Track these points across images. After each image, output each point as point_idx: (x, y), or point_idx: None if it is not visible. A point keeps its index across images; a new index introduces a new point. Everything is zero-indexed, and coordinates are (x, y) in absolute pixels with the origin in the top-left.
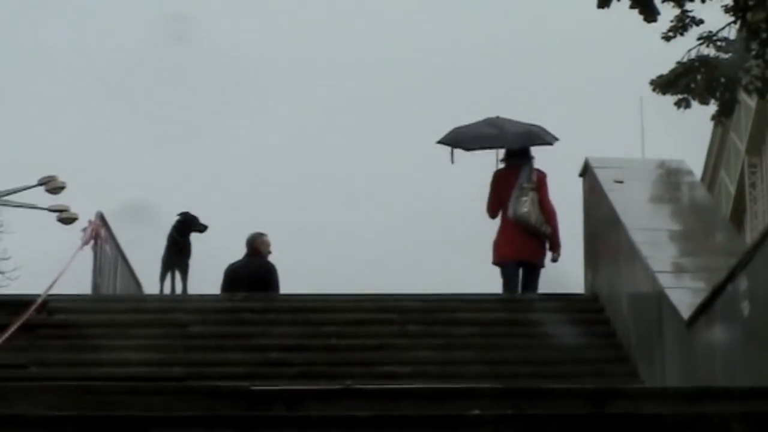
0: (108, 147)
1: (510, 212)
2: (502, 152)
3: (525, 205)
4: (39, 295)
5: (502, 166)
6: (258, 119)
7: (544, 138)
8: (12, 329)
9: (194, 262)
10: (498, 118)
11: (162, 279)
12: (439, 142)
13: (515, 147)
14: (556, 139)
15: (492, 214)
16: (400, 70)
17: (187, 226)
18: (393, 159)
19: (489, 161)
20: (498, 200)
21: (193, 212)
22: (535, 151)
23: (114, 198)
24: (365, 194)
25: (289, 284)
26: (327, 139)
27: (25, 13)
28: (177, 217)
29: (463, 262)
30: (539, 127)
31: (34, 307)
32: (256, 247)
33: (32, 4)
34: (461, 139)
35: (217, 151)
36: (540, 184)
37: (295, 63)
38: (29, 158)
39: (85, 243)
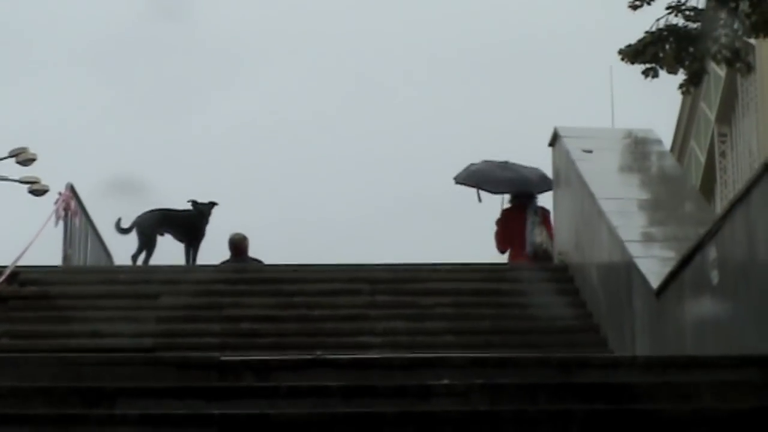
0: (86, 120)
1: (528, 247)
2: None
3: (538, 236)
4: (8, 267)
5: (508, 205)
6: (242, 95)
7: (546, 185)
8: None
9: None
10: (508, 162)
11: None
12: (462, 183)
13: (540, 191)
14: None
15: (502, 248)
16: (384, 49)
17: (206, 215)
18: (373, 136)
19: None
20: (508, 236)
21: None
22: None
23: (89, 171)
24: (345, 171)
25: (263, 255)
26: (310, 115)
27: None
28: (191, 207)
29: (439, 234)
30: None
31: (2, 278)
32: (242, 248)
33: None
34: (484, 181)
35: (200, 127)
36: (545, 218)
37: (280, 38)
38: (1, 130)
39: (57, 216)
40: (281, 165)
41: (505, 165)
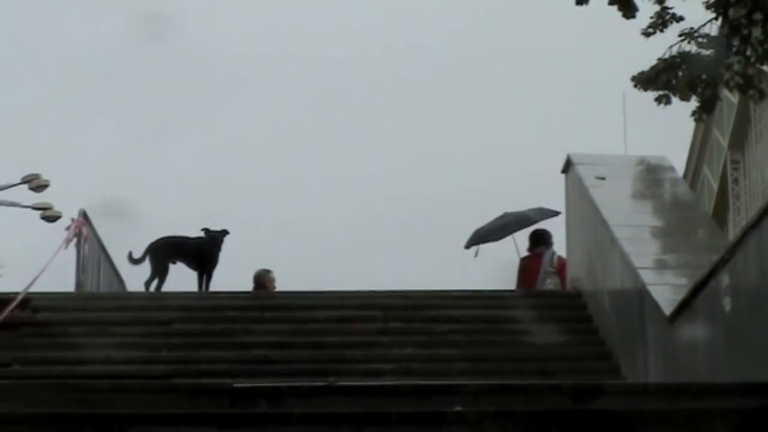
0: (88, 145)
1: None
2: (525, 241)
3: (549, 286)
4: (20, 293)
5: (526, 254)
6: (236, 115)
7: (551, 211)
8: None
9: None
10: (505, 213)
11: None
12: (468, 246)
13: (540, 220)
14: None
15: None
16: (382, 66)
17: (218, 243)
18: (373, 156)
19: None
20: (522, 284)
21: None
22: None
23: (95, 196)
24: (344, 191)
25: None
26: (305, 135)
27: (6, 13)
28: (203, 235)
29: (443, 260)
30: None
31: (13, 305)
32: (264, 283)
33: (11, 4)
34: (484, 236)
35: (197, 148)
36: (560, 267)
37: (272, 59)
38: (12, 156)
39: (68, 241)
40: (280, 185)
41: (503, 215)
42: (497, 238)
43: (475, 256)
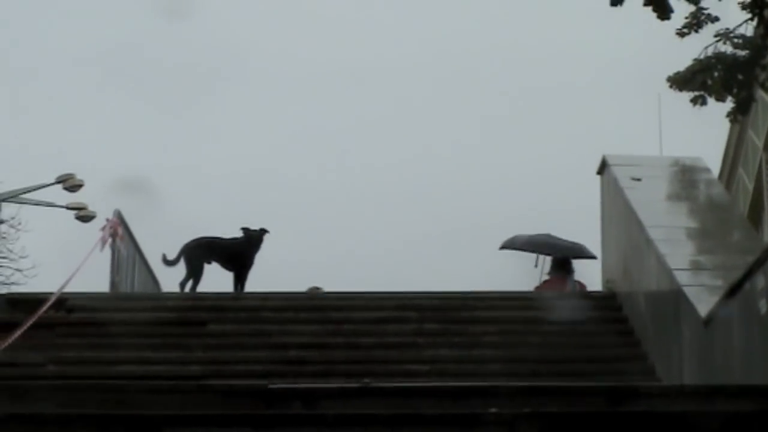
0: (119, 141)
1: None
2: (547, 265)
3: None
4: (54, 293)
5: (547, 277)
6: (241, 99)
7: (588, 252)
8: (25, 326)
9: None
10: (549, 234)
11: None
12: (503, 248)
13: (591, 256)
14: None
15: None
16: (414, 65)
17: (254, 244)
18: (405, 156)
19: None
20: None
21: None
22: None
23: (104, 172)
24: (379, 191)
25: (292, 279)
26: (325, 115)
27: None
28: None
29: (469, 262)
30: (581, 244)
31: (48, 305)
32: None
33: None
34: (543, 247)
35: (222, 131)
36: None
37: (290, 40)
38: (47, 156)
39: (104, 241)
40: (299, 174)
41: (548, 234)
42: (554, 254)
43: (536, 266)
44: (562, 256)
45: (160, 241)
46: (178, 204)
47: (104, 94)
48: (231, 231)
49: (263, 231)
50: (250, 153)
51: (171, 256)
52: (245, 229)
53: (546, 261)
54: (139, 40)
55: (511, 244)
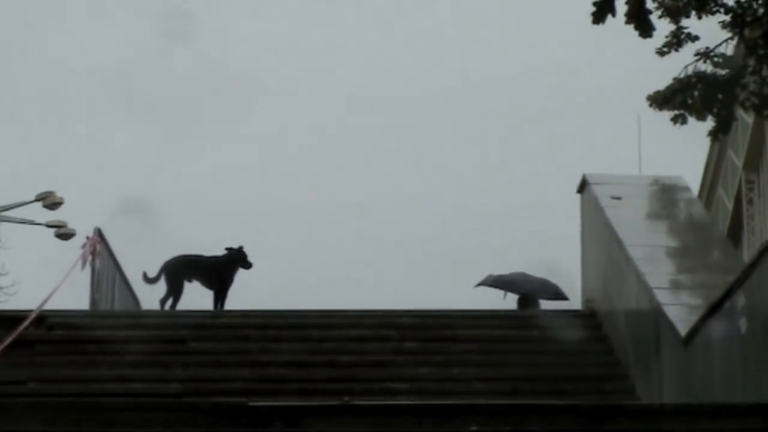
0: (102, 162)
1: None
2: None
3: None
4: (34, 311)
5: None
6: (254, 119)
7: (555, 292)
8: (5, 344)
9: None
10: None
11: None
12: (479, 285)
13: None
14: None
15: None
16: (397, 86)
17: (234, 262)
18: (388, 176)
19: None
20: None
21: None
22: None
23: (101, 196)
24: (358, 210)
25: (284, 299)
26: (324, 139)
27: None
28: (225, 252)
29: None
30: (552, 284)
31: (27, 322)
32: None
33: (28, 19)
34: (501, 284)
35: (214, 152)
36: None
37: (292, 62)
38: (26, 173)
39: (83, 259)
40: (297, 191)
41: (522, 273)
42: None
43: (504, 297)
44: (525, 293)
45: (151, 261)
46: (173, 226)
47: (96, 114)
48: (217, 250)
49: (240, 248)
50: (239, 172)
51: (152, 274)
52: (228, 249)
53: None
54: (136, 62)
55: (484, 282)
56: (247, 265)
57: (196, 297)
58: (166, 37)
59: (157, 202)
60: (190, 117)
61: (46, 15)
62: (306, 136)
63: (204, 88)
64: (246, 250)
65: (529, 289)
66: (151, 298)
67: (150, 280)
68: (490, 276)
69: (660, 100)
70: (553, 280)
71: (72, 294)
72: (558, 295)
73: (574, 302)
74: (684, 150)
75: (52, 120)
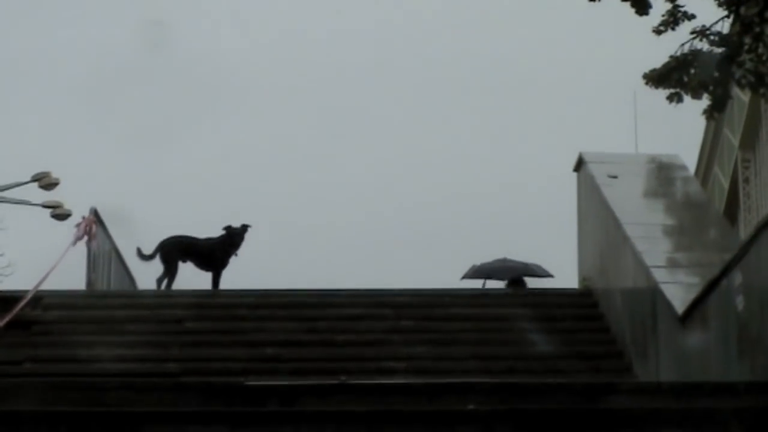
0: (92, 146)
1: None
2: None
3: None
4: (30, 291)
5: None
6: (232, 121)
7: (540, 271)
8: (1, 324)
9: None
10: (505, 258)
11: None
12: (465, 277)
13: (544, 275)
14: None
15: None
16: (391, 69)
17: (228, 245)
18: (382, 158)
19: None
20: None
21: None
22: None
23: (78, 201)
24: (353, 193)
25: (275, 281)
26: (299, 142)
27: (12, 17)
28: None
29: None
30: (534, 264)
31: (23, 303)
32: None
33: (20, 9)
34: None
35: (193, 153)
36: None
37: (268, 66)
38: (22, 155)
39: (78, 239)
40: (274, 190)
41: (503, 259)
42: (503, 279)
43: (483, 286)
44: (512, 278)
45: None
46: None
47: (84, 104)
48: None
49: (245, 227)
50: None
51: (147, 251)
52: (227, 227)
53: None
54: (124, 55)
55: (466, 275)
56: (236, 245)
57: (193, 277)
58: (147, 36)
59: (139, 193)
60: (173, 110)
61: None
62: (296, 122)
63: (186, 82)
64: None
65: (509, 272)
66: (147, 277)
67: (145, 257)
68: (473, 266)
69: (656, 79)
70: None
71: (68, 274)
72: (541, 274)
73: (572, 281)
74: (680, 129)
75: (44, 106)
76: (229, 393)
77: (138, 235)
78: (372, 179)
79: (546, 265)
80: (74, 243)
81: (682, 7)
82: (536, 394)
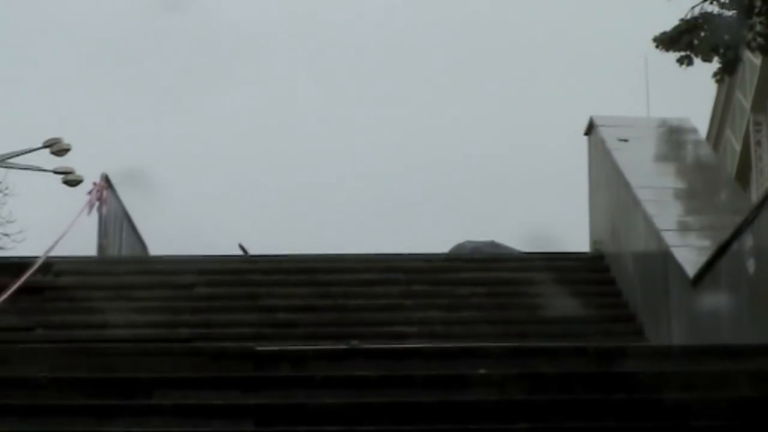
0: (104, 112)
1: None
2: None
3: None
4: (41, 257)
5: None
6: (247, 85)
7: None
8: (11, 290)
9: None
10: (494, 241)
11: None
12: None
13: None
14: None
15: None
16: (394, 39)
17: None
18: (393, 121)
19: None
20: None
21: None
22: None
23: (97, 164)
24: (365, 156)
25: (289, 245)
26: (317, 105)
27: None
28: None
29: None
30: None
31: (34, 268)
32: None
33: None
34: None
35: (212, 116)
36: None
37: (288, 29)
38: (33, 121)
39: (91, 205)
40: (290, 158)
41: (493, 243)
42: None
43: None
44: None
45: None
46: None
47: (97, 68)
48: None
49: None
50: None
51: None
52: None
53: None
54: (138, 18)
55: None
56: None
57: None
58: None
59: (155, 158)
60: (188, 74)
61: None
62: (312, 85)
63: (201, 46)
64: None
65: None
66: (158, 242)
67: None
68: (462, 246)
69: (666, 42)
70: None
71: (79, 240)
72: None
73: (583, 245)
74: (692, 92)
75: (54, 73)
76: (241, 358)
77: (153, 199)
78: (384, 142)
79: (558, 229)
80: (88, 212)
81: None
82: (548, 358)
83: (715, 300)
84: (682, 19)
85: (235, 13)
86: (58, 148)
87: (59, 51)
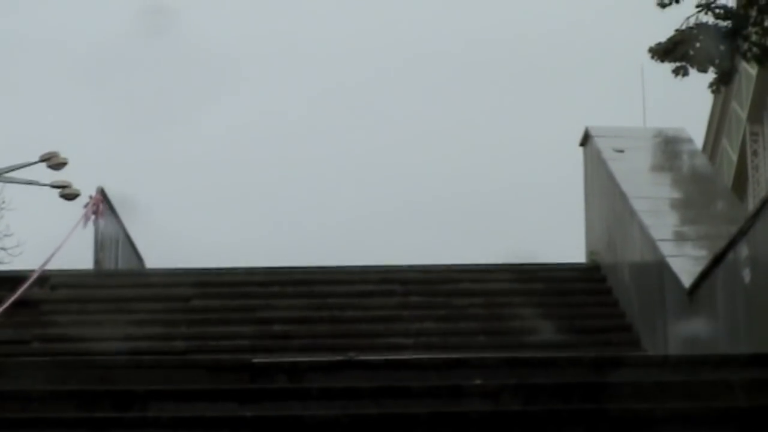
0: (76, 133)
1: None
2: None
3: None
4: (36, 270)
5: None
6: (231, 105)
7: None
8: (8, 303)
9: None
10: None
11: None
12: None
13: None
14: None
15: None
16: (380, 55)
17: None
18: (389, 134)
19: None
20: None
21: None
22: None
23: (80, 184)
24: (335, 177)
25: (284, 258)
26: (299, 124)
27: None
28: None
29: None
30: None
31: (30, 282)
32: None
33: None
34: None
35: (192, 137)
36: None
37: (268, 51)
38: (30, 135)
39: (87, 218)
40: (276, 172)
41: None
42: None
43: None
44: None
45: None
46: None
47: (86, 88)
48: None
49: None
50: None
51: None
52: None
53: None
54: (124, 40)
55: None
56: None
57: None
58: (151, 17)
59: (140, 176)
60: (174, 95)
61: None
62: (300, 101)
63: (181, 70)
64: None
65: None
66: (154, 256)
67: None
68: None
69: (662, 52)
70: None
71: (76, 254)
72: None
73: (579, 255)
74: (687, 103)
75: (48, 90)
76: (237, 370)
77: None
78: (377, 155)
79: (554, 240)
80: (84, 225)
81: None
82: (544, 369)
83: (710, 310)
84: (677, 30)
85: (214, 35)
86: (54, 162)
87: (54, 66)
